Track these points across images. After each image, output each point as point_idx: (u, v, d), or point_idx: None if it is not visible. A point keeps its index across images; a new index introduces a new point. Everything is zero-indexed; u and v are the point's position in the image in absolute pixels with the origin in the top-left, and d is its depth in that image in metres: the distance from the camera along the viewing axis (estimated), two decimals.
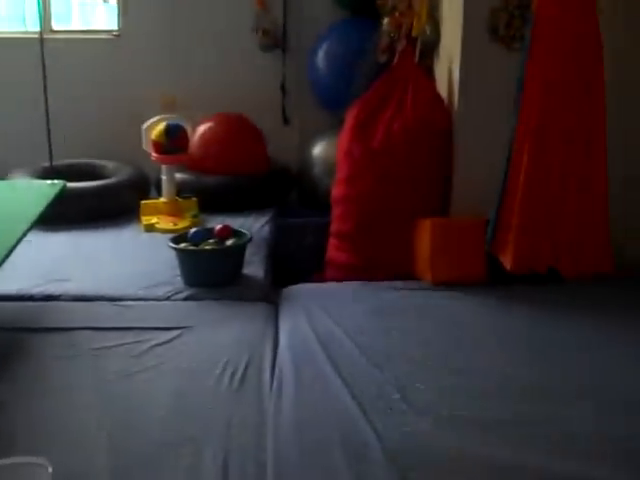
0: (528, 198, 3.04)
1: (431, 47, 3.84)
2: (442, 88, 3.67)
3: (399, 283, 3.32)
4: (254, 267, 3.37)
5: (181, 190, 4.12)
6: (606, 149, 3.11)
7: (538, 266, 3.15)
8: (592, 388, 2.47)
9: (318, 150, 4.28)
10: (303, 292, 3.26)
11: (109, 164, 4.45)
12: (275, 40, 4.60)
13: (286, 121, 4.65)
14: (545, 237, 3.08)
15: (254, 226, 3.86)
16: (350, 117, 3.66)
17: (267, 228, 3.88)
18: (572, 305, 3.12)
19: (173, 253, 3.25)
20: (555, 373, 2.57)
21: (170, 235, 3.41)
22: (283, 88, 4.63)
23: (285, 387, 2.41)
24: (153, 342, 2.70)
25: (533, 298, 3.18)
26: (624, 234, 3.32)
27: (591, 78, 3.02)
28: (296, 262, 3.69)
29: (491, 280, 3.30)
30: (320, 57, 4.43)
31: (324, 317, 2.96)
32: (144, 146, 4.06)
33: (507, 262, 3.12)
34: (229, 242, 3.28)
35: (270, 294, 3.22)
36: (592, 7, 2.99)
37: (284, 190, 4.38)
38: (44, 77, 4.13)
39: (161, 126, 4.01)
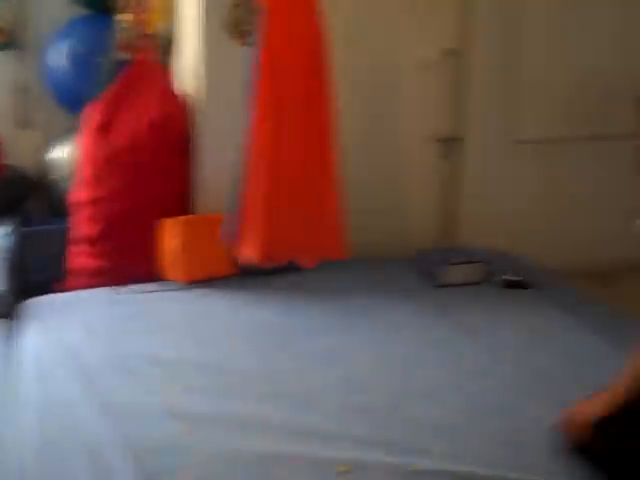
0: (270, 191, 3.09)
1: (171, 43, 3.80)
2: (184, 85, 3.65)
3: (150, 285, 3.27)
4: None
5: None
6: (335, 141, 3.21)
7: (280, 258, 3.21)
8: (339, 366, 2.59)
9: (60, 153, 4.09)
10: (48, 303, 3.12)
11: None
12: (7, 38, 4.34)
13: (24, 124, 4.41)
14: (287, 229, 3.15)
15: None
16: (91, 117, 3.54)
17: (6, 239, 3.64)
18: (315, 291, 3.25)
19: None
20: (300, 361, 2.65)
21: None
22: (19, 89, 4.38)
23: (28, 408, 2.29)
24: None
25: (283, 287, 3.27)
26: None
27: (318, 69, 3.12)
28: (42, 272, 3.50)
29: (243, 273, 3.34)
30: (58, 56, 4.23)
31: (71, 328, 2.86)
32: None
33: (249, 256, 3.14)
34: None
35: (11, 310, 3.05)
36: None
37: (23, 197, 4.15)
38: None
39: None
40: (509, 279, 3.36)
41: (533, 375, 2.56)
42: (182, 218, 3.35)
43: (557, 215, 3.99)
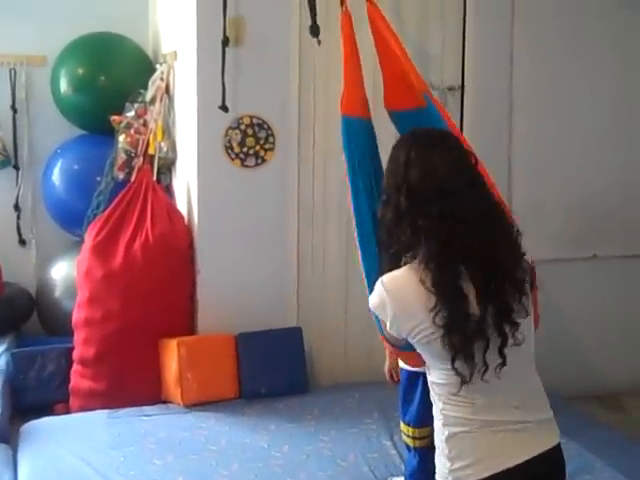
0: None
1: (169, 164, 3.86)
2: (182, 205, 3.69)
3: (149, 408, 3.22)
4: None
5: None
6: None
7: None
8: None
9: (58, 271, 4.09)
10: (45, 427, 3.07)
11: None
12: (6, 157, 4.39)
13: (22, 242, 4.42)
14: None
15: None
16: (89, 236, 3.56)
17: (2, 359, 3.59)
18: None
19: None
20: None
21: None
22: (17, 207, 4.41)
23: None
24: None
25: (286, 411, 3.20)
26: None
27: None
28: (38, 394, 3.43)
29: (245, 396, 3.31)
30: (55, 174, 4.28)
31: (68, 453, 2.81)
32: None
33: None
34: None
35: (7, 433, 2.99)
36: None
37: (21, 315, 4.11)
38: None
39: None
40: None
41: None
42: (182, 339, 3.31)
43: None
